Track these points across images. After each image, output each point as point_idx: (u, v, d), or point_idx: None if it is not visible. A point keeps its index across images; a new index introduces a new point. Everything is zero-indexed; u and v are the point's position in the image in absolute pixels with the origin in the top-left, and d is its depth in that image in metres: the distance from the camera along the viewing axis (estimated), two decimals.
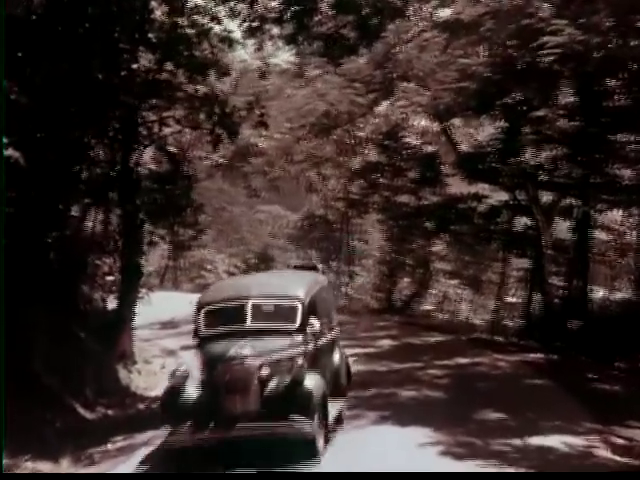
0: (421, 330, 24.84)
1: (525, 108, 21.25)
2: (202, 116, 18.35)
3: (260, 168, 31.68)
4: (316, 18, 17.96)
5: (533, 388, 16.05)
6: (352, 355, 19.34)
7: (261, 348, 10.78)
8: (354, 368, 17.45)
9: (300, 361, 10.87)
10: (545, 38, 17.02)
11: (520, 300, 26.45)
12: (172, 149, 42.77)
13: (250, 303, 11.36)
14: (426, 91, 23.46)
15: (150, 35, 15.57)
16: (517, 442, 11.79)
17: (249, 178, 38.92)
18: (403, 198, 31.70)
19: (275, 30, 18.72)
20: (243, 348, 10.62)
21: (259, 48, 19.68)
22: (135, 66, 15.68)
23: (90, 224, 18.25)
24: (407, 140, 31.36)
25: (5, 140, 11.25)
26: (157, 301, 31.44)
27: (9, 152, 11.42)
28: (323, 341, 12.20)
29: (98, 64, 14.33)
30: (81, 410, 14.12)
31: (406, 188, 31.46)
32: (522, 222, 25.01)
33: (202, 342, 11.38)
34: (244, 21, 18.02)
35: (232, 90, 26.50)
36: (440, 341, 22.66)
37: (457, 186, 29.76)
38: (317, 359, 11.70)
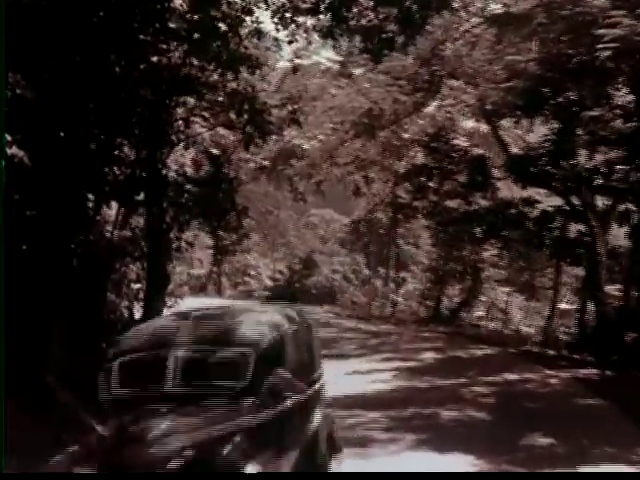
0: (468, 342, 23.74)
1: (579, 108, 20.06)
2: (232, 115, 17.36)
3: (303, 171, 30.71)
4: (354, 10, 16.87)
5: (586, 409, 14.89)
6: (393, 370, 18.51)
7: (185, 422, 7.13)
8: (393, 384, 16.55)
9: (238, 439, 7.09)
10: (601, 31, 15.86)
11: (574, 307, 25.20)
12: (214, 150, 42.42)
13: (175, 355, 7.69)
14: (474, 90, 22.43)
15: (173, 25, 14.54)
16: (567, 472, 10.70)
17: (294, 181, 38.12)
18: (452, 203, 30.61)
19: (310, 22, 17.63)
20: (158, 424, 7.00)
21: (291, 41, 18.64)
22: (156, 59, 14.78)
23: (116, 228, 17.47)
24: (455, 142, 30.25)
25: (8, 138, 10.45)
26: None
27: (13, 150, 10.63)
28: (290, 404, 7.96)
29: (115, 56, 13.51)
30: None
31: (455, 192, 30.39)
32: (576, 228, 23.69)
33: (110, 407, 7.86)
34: (277, 12, 17.00)
35: (273, 89, 25.78)
36: (488, 354, 21.56)
37: (508, 190, 28.71)
38: (277, 432, 7.77)
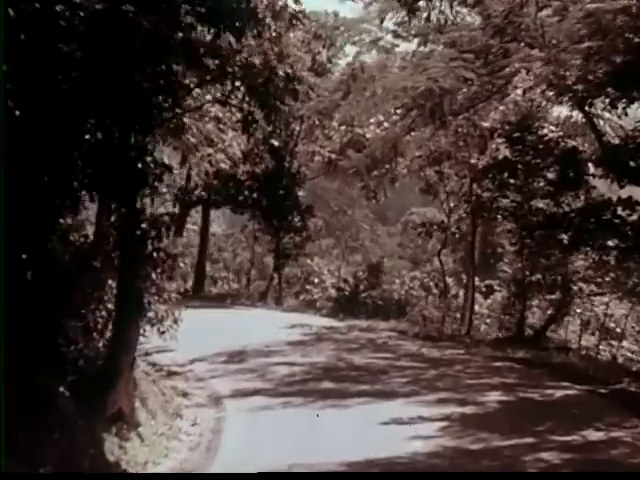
0: (547, 377, 19.67)
1: None
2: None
3: (361, 164, 27.01)
4: None
5: None
6: (443, 419, 14.83)
7: None
8: (437, 443, 13.06)
9: None
10: None
11: None
12: (276, 143, 39.21)
13: None
14: (559, 66, 18.52)
15: None
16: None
17: (365, 176, 34.37)
18: (538, 203, 26.66)
19: None
20: None
21: None
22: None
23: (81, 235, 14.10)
24: (543, 132, 26.23)
25: None
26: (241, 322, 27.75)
27: None
28: None
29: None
30: None
31: (542, 191, 26.43)
32: None
33: None
34: None
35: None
36: (569, 396, 17.50)
37: (605, 189, 24.73)
38: None
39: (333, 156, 36.81)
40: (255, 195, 38.88)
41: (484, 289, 36.10)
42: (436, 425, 14.40)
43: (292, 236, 39.16)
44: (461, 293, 35.25)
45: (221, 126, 31.04)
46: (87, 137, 12.82)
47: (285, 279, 40.21)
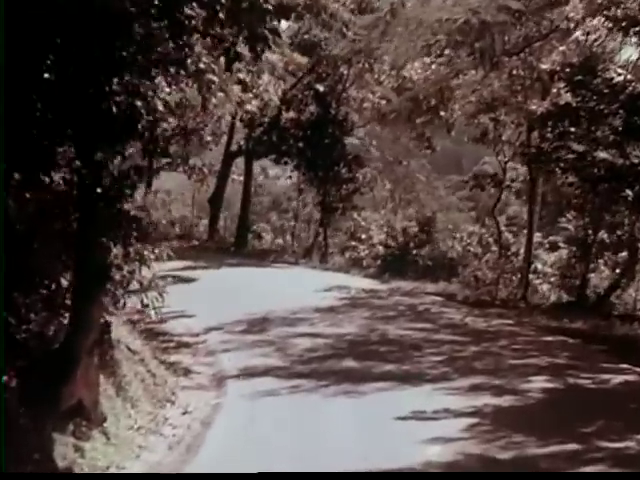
0: (605, 356, 17.18)
1: None
2: None
3: (405, 107, 24.52)
4: None
5: None
6: (472, 413, 12.58)
7: None
8: (459, 448, 10.88)
9: None
10: None
11: None
12: (321, 88, 36.76)
13: None
14: None
15: None
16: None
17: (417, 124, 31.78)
18: (603, 154, 23.81)
19: None
20: None
21: None
22: None
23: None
24: (608, 75, 23.32)
25: None
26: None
27: None
28: None
29: None
30: None
31: (607, 140, 23.57)
32: None
33: None
34: None
35: None
36: (629, 384, 15.01)
37: None
38: None
39: (383, 102, 34.31)
40: (300, 144, 36.60)
41: (547, 245, 33.54)
42: (463, 422, 12.13)
43: (339, 188, 36.83)
44: (522, 251, 32.60)
45: (251, 68, 28.95)
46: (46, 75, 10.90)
47: (331, 234, 37.99)
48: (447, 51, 21.98)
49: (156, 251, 14.33)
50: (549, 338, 19.01)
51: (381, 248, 34.62)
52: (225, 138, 41.92)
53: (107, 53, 10.83)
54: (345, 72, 37.15)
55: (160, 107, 13.34)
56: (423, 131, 35.28)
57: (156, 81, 12.45)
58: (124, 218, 12.38)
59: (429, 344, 17.81)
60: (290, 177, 39.07)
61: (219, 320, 20.26)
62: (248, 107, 26.15)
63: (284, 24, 33.95)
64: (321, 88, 36.04)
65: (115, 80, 11.05)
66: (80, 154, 11.00)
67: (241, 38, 12.13)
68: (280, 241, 41.34)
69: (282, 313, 21.23)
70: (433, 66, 24.71)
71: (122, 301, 13.80)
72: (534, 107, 25.58)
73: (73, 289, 11.37)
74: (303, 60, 32.81)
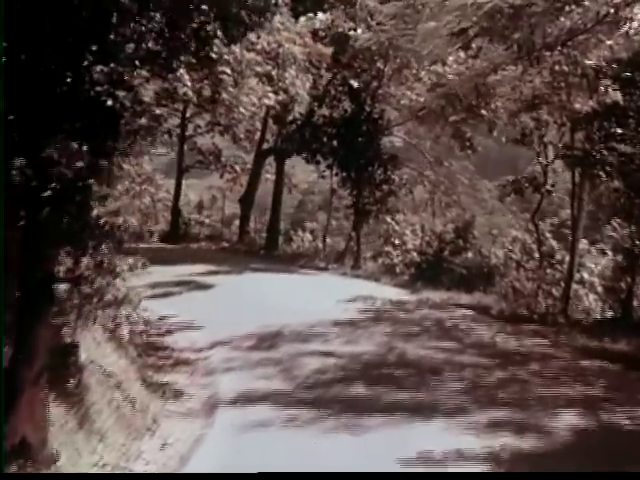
0: None
1: None
2: None
3: (437, 104, 22.92)
4: None
5: None
6: (483, 457, 11.04)
7: None
8: None
9: None
10: None
11: None
12: (356, 84, 35.20)
13: None
14: None
15: None
16: None
17: (452, 123, 30.17)
18: None
19: None
20: None
21: None
22: None
23: None
24: None
25: None
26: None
27: None
28: None
29: None
30: None
31: None
32: None
33: None
34: None
35: None
36: None
37: None
38: None
39: (420, 99, 32.67)
40: (333, 142, 35.10)
41: (594, 253, 31.70)
42: (473, 470, 10.59)
43: (373, 190, 35.24)
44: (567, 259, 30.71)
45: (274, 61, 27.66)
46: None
47: (365, 239, 36.43)
48: (479, 43, 20.27)
49: (129, 261, 12.89)
50: (586, 362, 17.26)
51: (415, 254, 32.95)
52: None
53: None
54: (382, 67, 35.51)
55: (147, 98, 12.13)
56: (462, 130, 33.75)
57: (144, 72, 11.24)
58: (94, 225, 11.06)
59: (450, 367, 16.23)
60: (323, 177, 37.50)
61: (229, 333, 18.96)
62: (266, 101, 24.69)
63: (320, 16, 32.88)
64: (355, 84, 34.50)
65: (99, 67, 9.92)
66: (25, 148, 9.60)
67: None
68: (315, 244, 39.72)
69: (298, 326, 19.83)
70: (469, 61, 23.03)
71: (92, 317, 12.50)
72: (578, 106, 23.78)
73: (18, 308, 9.96)
74: (327, 51, 31.22)
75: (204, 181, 58.77)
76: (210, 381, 15.59)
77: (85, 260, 11.71)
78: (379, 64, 35.08)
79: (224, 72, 20.09)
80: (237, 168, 44.97)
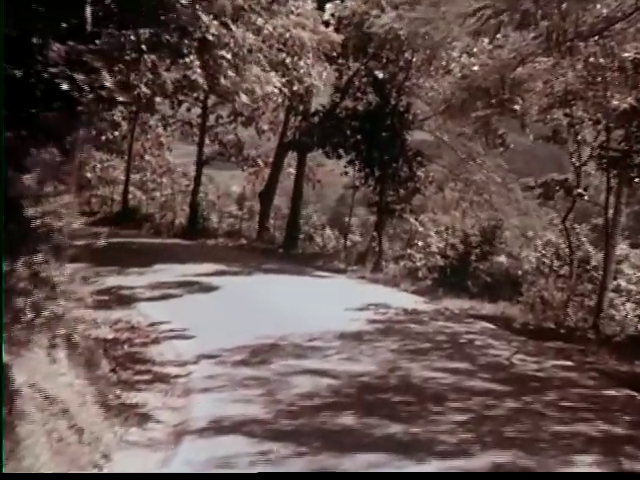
0: None
1: None
2: None
3: (458, 98, 21.23)
4: None
5: None
6: None
7: None
8: None
9: None
10: None
11: None
12: (380, 75, 33.48)
13: None
14: None
15: None
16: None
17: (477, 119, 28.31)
18: None
19: None
20: None
21: None
22: None
23: None
24: None
25: None
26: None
27: None
28: None
29: None
30: None
31: None
32: None
33: None
34: None
35: None
36: None
37: None
38: None
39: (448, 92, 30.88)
40: (355, 137, 33.42)
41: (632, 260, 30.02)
42: None
43: (397, 188, 33.51)
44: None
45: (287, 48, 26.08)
46: None
47: (387, 239, 34.72)
48: (505, 31, 18.53)
49: (66, 272, 11.39)
50: (612, 392, 15.37)
51: (439, 258, 31.15)
52: None
53: None
54: (410, 58, 33.80)
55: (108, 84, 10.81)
56: (492, 126, 31.96)
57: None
58: (27, 228, 9.61)
59: (456, 394, 14.46)
60: (346, 173, 35.84)
61: (220, 344, 17.44)
62: (268, 89, 23.07)
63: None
64: (380, 75, 32.76)
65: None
66: None
67: None
68: (336, 242, 38.11)
69: (297, 339, 18.28)
70: (495, 51, 21.26)
71: (28, 334, 11.00)
72: (615, 102, 21.88)
73: None
74: (337, 39, 29.51)
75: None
76: (184, 403, 14.00)
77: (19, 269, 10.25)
78: (407, 54, 33.39)
79: (223, 57, 18.62)
80: (259, 161, 43.59)
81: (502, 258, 29.99)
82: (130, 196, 48.25)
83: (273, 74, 22.65)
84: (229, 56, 18.65)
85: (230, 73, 19.61)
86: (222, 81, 19.96)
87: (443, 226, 36.41)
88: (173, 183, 50.79)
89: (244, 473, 9.77)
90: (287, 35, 24.96)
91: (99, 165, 50.49)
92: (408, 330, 20.27)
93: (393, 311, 22.49)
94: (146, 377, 15.48)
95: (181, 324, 19.51)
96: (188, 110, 42.84)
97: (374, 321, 20.84)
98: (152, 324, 19.98)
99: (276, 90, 23.89)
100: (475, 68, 22.45)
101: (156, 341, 18.37)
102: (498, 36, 19.98)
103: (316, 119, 34.86)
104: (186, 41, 12.96)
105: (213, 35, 16.34)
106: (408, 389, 14.80)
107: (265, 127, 41.87)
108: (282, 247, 36.63)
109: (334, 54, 30.76)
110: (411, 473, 10.03)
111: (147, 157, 49.64)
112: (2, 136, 8.51)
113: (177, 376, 15.63)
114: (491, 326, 21.48)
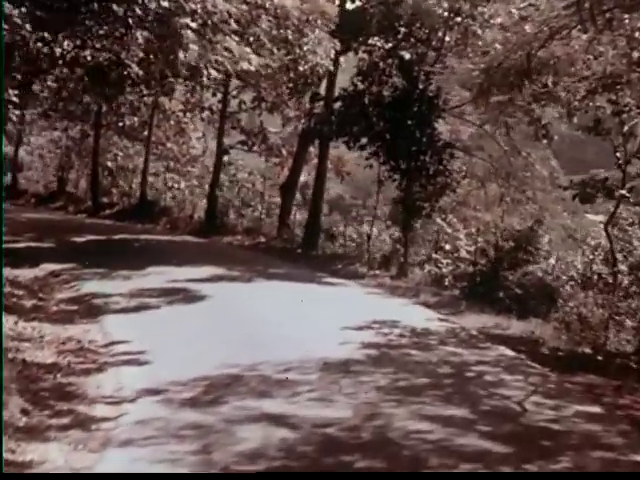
0: None
1: None
2: None
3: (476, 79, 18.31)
4: None
5: None
6: None
7: None
8: None
9: None
10: None
11: None
12: (407, 56, 30.34)
13: None
14: None
15: None
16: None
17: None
18: None
19: None
20: None
21: None
22: None
23: None
24: None
25: None
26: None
27: None
28: None
29: None
30: None
31: None
32: None
33: None
34: None
35: None
36: None
37: None
38: None
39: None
40: (379, 126, 30.37)
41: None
42: None
43: (425, 183, 30.37)
44: None
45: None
46: None
47: (413, 241, 31.59)
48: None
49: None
50: None
51: (468, 264, 27.92)
52: None
53: None
54: (443, 37, 30.69)
55: None
56: (537, 115, 28.89)
57: None
58: None
59: (441, 459, 11.37)
60: (371, 166, 32.80)
61: (175, 374, 14.81)
62: (244, 66, 20.10)
63: None
64: (407, 55, 29.61)
65: None
66: None
67: None
68: (360, 242, 35.11)
69: (268, 369, 15.47)
70: (519, 25, 18.14)
71: None
72: None
73: None
74: (331, 10, 26.46)
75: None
76: (92, 462, 11.15)
77: None
78: (440, 33, 30.27)
79: (187, 25, 15.79)
80: (284, 151, 40.81)
81: (538, 266, 26.47)
82: (151, 188, 45.86)
83: (249, 49, 19.76)
84: (194, 25, 15.89)
85: (193, 46, 16.76)
86: (180, 56, 17.09)
87: (482, 225, 33.17)
88: (200, 173, 48.24)
89: (244, 473, 9.73)
90: (267, 4, 21.98)
91: (120, 153, 48.20)
92: (406, 359, 17.20)
93: (398, 331, 19.52)
94: (63, 421, 12.71)
95: (141, 345, 16.94)
96: (214, 95, 40.39)
97: (369, 345, 17.86)
98: (109, 344, 17.41)
99: (252, 68, 20.90)
100: (497, 46, 19.30)
101: (101, 368, 15.73)
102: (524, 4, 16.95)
103: (338, 105, 32.03)
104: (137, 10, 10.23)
105: (170, 2, 13.38)
106: (381, 449, 11.78)
107: (291, 114, 39.07)
108: (301, 247, 33.81)
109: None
110: (411, 473, 10.15)
111: (169, 145, 47.13)
112: (2, 136, 8.04)
113: (103, 419, 12.86)
114: (511, 353, 18.33)
